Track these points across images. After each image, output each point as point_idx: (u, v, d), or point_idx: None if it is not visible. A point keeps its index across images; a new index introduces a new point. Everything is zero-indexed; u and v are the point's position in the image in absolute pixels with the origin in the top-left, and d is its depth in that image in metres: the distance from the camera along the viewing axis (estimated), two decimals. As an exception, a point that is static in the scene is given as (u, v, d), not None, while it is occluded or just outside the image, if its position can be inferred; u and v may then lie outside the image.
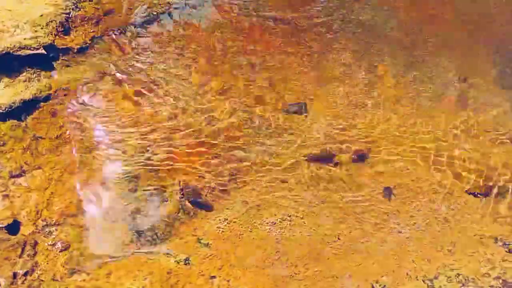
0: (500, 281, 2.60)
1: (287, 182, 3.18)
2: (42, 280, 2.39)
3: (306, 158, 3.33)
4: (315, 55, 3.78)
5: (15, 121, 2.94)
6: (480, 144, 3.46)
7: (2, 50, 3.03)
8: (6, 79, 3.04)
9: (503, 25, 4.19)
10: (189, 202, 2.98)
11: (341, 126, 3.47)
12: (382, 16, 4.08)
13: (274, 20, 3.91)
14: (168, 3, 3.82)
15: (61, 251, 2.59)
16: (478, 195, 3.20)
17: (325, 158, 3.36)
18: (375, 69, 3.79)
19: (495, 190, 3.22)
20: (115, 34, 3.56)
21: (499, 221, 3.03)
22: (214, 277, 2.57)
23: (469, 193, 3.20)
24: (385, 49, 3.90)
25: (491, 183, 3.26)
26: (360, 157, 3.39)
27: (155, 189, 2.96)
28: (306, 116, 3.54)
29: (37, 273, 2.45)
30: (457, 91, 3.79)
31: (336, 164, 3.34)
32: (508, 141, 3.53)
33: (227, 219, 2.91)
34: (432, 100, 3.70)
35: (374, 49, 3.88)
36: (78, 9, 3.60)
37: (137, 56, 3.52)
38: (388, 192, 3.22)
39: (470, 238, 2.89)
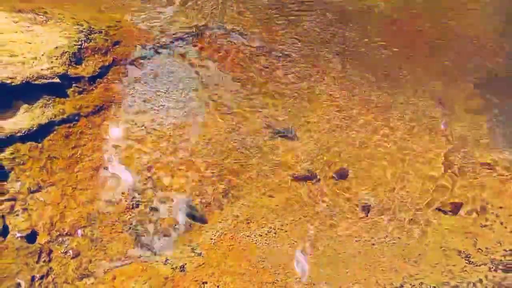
0: (457, 289, 2.95)
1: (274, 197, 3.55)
2: (56, 283, 2.75)
3: (291, 177, 3.71)
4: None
5: (33, 142, 3.32)
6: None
7: (23, 80, 3.43)
8: (25, 106, 3.43)
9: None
10: (186, 215, 3.35)
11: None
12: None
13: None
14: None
15: (72, 258, 2.95)
16: (448, 212, 3.55)
17: (308, 177, 3.73)
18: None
19: (463, 208, 3.57)
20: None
21: (465, 236, 3.38)
22: (205, 282, 2.92)
23: (439, 210, 3.55)
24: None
25: (460, 202, 3.60)
26: (340, 176, 3.76)
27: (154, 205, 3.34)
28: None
29: (51, 276, 2.81)
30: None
31: (318, 181, 3.72)
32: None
33: (219, 231, 3.27)
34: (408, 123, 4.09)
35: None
36: (89, 40, 4.01)
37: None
38: (366, 206, 3.57)
39: (435, 251, 3.24)
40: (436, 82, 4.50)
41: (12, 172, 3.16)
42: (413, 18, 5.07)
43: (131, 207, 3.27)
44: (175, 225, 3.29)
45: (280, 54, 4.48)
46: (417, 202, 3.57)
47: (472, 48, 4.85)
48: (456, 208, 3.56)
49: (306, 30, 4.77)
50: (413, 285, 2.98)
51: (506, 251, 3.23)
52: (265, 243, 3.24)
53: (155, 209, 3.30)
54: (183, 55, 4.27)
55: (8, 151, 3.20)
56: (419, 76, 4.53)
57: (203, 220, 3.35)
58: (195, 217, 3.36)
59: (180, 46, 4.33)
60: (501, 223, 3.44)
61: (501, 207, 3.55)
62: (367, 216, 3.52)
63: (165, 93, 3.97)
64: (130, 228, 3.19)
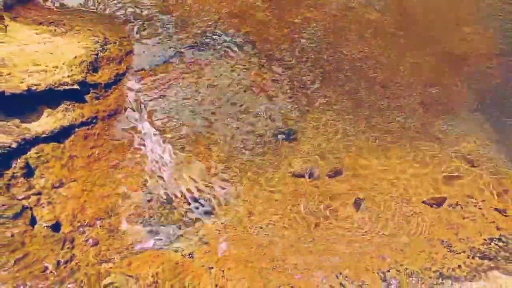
0: (438, 273, 3.26)
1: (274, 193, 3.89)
2: (80, 266, 3.10)
3: (291, 174, 4.05)
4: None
5: (56, 143, 3.68)
6: (437, 166, 4.15)
7: (46, 87, 3.79)
8: (48, 110, 3.79)
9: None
10: (195, 209, 3.70)
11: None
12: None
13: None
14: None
15: (92, 246, 3.30)
16: (433, 205, 3.87)
17: (307, 174, 4.07)
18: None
19: (447, 202, 3.89)
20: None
21: (447, 227, 3.69)
22: (211, 268, 3.25)
23: (425, 203, 3.87)
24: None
25: (444, 196, 3.92)
26: (336, 173, 4.09)
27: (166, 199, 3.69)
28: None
29: (74, 261, 3.15)
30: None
31: (315, 179, 4.05)
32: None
33: (223, 223, 3.61)
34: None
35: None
36: (104, 50, 4.38)
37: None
38: (358, 203, 3.90)
39: (420, 240, 3.56)
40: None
41: (37, 169, 3.52)
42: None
43: (146, 201, 3.62)
44: (185, 218, 3.63)
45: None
46: (405, 197, 3.90)
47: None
48: (440, 202, 3.88)
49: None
50: (399, 271, 3.30)
51: (485, 240, 3.54)
52: (265, 234, 3.57)
53: (166, 202, 3.64)
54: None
55: (33, 151, 3.56)
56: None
57: (209, 214, 3.69)
58: (202, 211, 3.71)
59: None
60: (482, 215, 3.76)
61: (483, 200, 3.87)
62: (359, 211, 3.84)
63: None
64: (144, 220, 3.53)
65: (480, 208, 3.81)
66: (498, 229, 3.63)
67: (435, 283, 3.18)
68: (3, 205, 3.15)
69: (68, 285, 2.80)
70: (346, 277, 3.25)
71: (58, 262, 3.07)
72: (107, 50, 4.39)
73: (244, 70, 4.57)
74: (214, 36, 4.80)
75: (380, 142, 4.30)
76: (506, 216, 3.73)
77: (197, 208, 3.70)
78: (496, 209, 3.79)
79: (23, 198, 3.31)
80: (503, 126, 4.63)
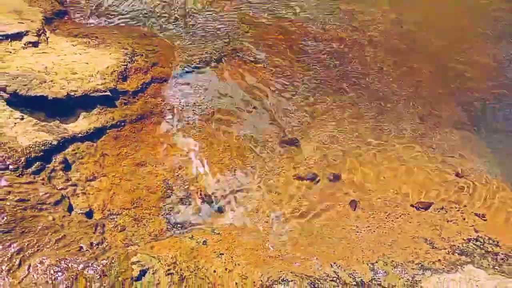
0: (420, 265, 3.72)
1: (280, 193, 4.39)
2: (110, 247, 3.60)
3: (294, 176, 4.55)
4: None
5: (90, 142, 4.22)
6: (427, 174, 4.63)
7: (83, 93, 4.35)
8: (84, 113, 4.34)
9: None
10: (208, 205, 4.20)
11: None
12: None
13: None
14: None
15: (119, 231, 3.81)
16: (420, 209, 4.34)
17: (309, 177, 4.57)
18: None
19: (433, 206, 4.36)
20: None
21: (432, 228, 4.16)
22: (222, 254, 3.74)
23: (413, 206, 4.35)
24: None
25: (431, 201, 4.40)
26: (335, 177, 4.58)
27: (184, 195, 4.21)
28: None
29: (105, 244, 3.66)
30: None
31: (317, 182, 4.54)
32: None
33: (233, 217, 4.12)
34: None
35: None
36: (133, 61, 4.94)
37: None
38: (353, 203, 4.38)
39: (406, 238, 4.03)
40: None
41: (74, 164, 4.06)
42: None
43: (165, 196, 4.14)
44: (199, 212, 4.14)
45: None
46: (396, 200, 4.38)
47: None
48: (427, 206, 4.35)
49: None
50: (385, 262, 3.77)
51: (464, 240, 4.01)
52: (269, 227, 4.07)
53: (185, 198, 4.16)
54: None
55: (70, 148, 4.10)
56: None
57: (220, 209, 4.20)
58: (214, 207, 4.21)
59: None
60: (464, 219, 4.22)
61: (465, 206, 4.34)
62: (354, 210, 4.33)
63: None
64: (164, 212, 4.05)
65: (462, 213, 4.28)
66: (476, 231, 4.09)
67: (416, 273, 3.65)
68: (46, 193, 3.68)
69: (102, 261, 3.31)
70: (340, 266, 3.72)
71: (91, 243, 3.58)
72: (135, 62, 4.95)
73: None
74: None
75: (376, 150, 4.80)
76: (484, 220, 4.19)
77: (210, 204, 4.20)
78: (476, 214, 4.25)
79: (61, 188, 3.85)
80: (490, 141, 5.12)
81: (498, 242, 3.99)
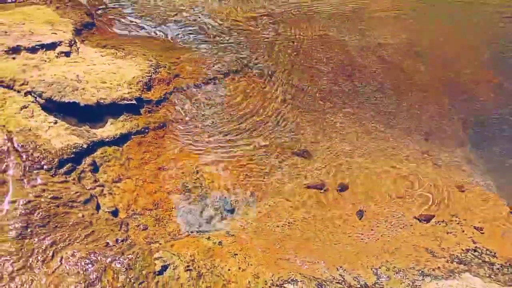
0: (420, 272, 4.00)
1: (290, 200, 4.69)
2: (134, 244, 3.91)
3: (305, 185, 4.86)
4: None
5: (116, 147, 4.55)
6: (429, 188, 4.92)
7: (111, 101, 4.69)
8: (111, 119, 4.68)
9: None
10: (224, 209, 4.51)
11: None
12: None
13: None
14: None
15: (142, 230, 4.12)
16: (422, 221, 4.61)
17: (319, 187, 4.87)
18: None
19: (434, 219, 4.64)
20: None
21: (432, 238, 4.43)
22: (236, 254, 4.03)
23: (415, 218, 4.63)
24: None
25: (433, 214, 4.67)
26: (343, 188, 4.88)
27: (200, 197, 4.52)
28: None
29: (129, 240, 3.97)
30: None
31: (325, 191, 4.84)
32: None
33: (247, 220, 4.41)
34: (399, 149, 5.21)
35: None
36: (156, 73, 5.28)
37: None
38: (360, 213, 4.67)
39: (408, 247, 4.30)
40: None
41: (101, 166, 4.38)
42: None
43: (184, 199, 4.45)
44: (216, 215, 4.45)
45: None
46: (400, 211, 4.66)
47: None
48: (429, 218, 4.63)
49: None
50: (388, 268, 4.05)
51: (463, 250, 4.28)
52: (280, 231, 4.36)
53: (201, 201, 4.47)
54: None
55: (99, 152, 4.44)
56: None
57: (234, 212, 4.50)
58: (228, 209, 4.51)
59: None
60: (463, 231, 4.49)
61: (464, 219, 4.61)
62: (360, 219, 4.61)
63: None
64: (182, 213, 4.36)
65: (462, 226, 4.55)
66: (474, 242, 4.36)
67: (417, 279, 3.92)
68: (77, 192, 4.01)
69: (128, 256, 3.62)
70: (345, 270, 4.00)
71: (117, 240, 3.89)
72: (159, 73, 5.29)
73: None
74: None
75: (382, 164, 5.09)
76: (482, 233, 4.47)
77: (225, 207, 4.50)
78: (474, 227, 4.53)
79: (90, 188, 4.17)
80: (490, 157, 5.41)
81: (495, 253, 4.25)
